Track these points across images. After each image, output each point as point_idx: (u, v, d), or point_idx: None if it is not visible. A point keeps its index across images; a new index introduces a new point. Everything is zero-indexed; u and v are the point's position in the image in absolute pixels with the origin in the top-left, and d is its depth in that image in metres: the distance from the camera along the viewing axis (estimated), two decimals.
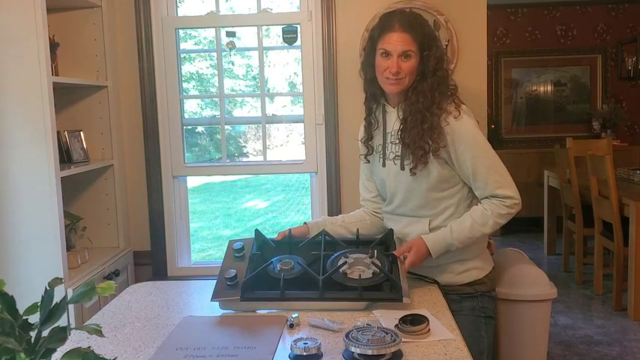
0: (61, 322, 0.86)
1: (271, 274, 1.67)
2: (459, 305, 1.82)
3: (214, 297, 1.61)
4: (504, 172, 1.78)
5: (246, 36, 3.19)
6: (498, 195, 1.75)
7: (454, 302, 1.80)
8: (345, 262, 1.67)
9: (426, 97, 1.73)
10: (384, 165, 1.87)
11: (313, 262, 1.74)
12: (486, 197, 1.77)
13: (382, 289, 1.67)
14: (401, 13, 1.83)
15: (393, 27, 1.74)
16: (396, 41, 1.73)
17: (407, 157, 1.77)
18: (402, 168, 1.79)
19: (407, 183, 1.81)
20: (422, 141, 1.72)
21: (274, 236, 1.88)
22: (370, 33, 1.85)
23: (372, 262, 1.66)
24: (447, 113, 1.74)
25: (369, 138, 1.94)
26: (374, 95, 1.88)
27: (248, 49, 3.40)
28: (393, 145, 1.83)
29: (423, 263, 1.77)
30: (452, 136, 1.73)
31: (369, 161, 1.98)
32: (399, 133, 1.79)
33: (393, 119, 1.84)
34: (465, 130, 1.74)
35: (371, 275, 1.64)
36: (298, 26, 2.85)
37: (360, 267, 1.66)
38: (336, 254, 1.74)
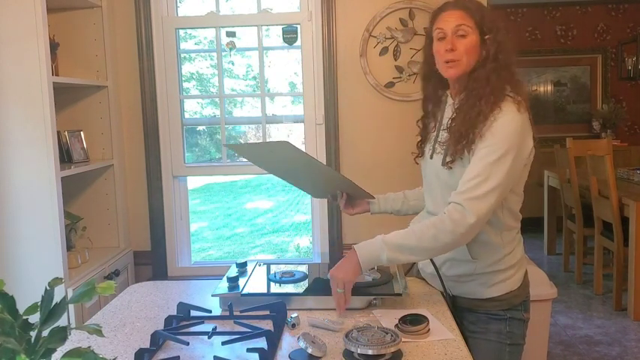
0: (61, 322, 0.86)
1: (273, 280, 1.74)
2: (485, 327, 1.64)
3: (215, 292, 1.64)
4: (497, 193, 1.48)
5: (246, 36, 3.18)
6: (463, 205, 1.45)
7: (480, 322, 1.65)
8: None
9: (481, 83, 1.54)
10: (431, 157, 1.68)
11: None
12: (453, 202, 1.48)
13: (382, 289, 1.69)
14: None
15: (447, 7, 1.61)
16: (449, 16, 1.58)
17: (450, 147, 1.56)
18: (444, 160, 1.59)
19: (443, 179, 1.62)
20: (468, 129, 1.52)
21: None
22: (427, 28, 1.69)
23: (372, 275, 1.72)
24: (498, 106, 1.51)
25: (423, 140, 1.76)
26: (435, 90, 1.70)
27: (248, 49, 3.39)
28: (444, 133, 1.64)
29: (449, 272, 1.64)
30: (489, 129, 1.51)
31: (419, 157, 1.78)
32: (450, 121, 1.60)
33: (450, 110, 1.64)
34: (502, 127, 1.50)
35: (370, 280, 1.69)
36: (298, 26, 2.85)
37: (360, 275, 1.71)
38: None
